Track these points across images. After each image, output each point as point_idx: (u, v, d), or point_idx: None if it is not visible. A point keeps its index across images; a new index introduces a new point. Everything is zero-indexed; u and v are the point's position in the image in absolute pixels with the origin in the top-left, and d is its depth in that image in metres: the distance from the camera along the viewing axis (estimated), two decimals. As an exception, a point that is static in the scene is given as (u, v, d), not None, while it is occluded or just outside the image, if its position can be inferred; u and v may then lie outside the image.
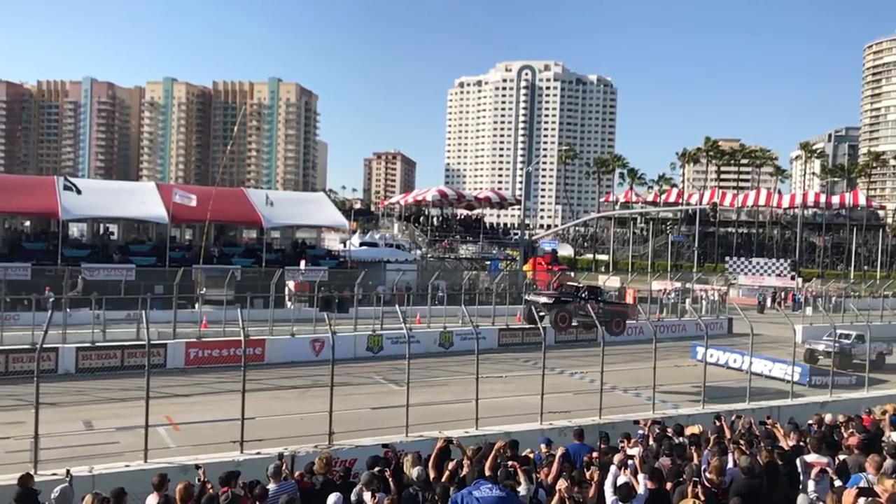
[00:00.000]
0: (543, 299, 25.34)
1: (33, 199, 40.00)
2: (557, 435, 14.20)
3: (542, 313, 24.94)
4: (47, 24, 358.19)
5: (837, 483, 9.03)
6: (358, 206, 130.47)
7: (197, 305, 33.01)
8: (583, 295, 25.84)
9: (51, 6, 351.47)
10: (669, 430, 12.87)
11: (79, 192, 38.54)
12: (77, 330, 26.11)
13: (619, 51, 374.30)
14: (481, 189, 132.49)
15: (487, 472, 8.90)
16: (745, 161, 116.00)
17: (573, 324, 25.61)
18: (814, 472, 9.08)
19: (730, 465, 9.29)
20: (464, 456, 9.75)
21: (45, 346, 13.06)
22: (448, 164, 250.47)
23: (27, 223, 46.22)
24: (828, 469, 9.21)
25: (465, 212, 69.20)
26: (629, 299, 42.14)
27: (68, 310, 26.54)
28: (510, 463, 9.09)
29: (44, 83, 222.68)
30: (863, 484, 7.81)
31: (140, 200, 42.37)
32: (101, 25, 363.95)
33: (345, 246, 54.10)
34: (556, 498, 8.32)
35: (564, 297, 25.60)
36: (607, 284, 43.91)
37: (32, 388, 11.96)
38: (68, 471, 9.82)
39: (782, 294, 58.81)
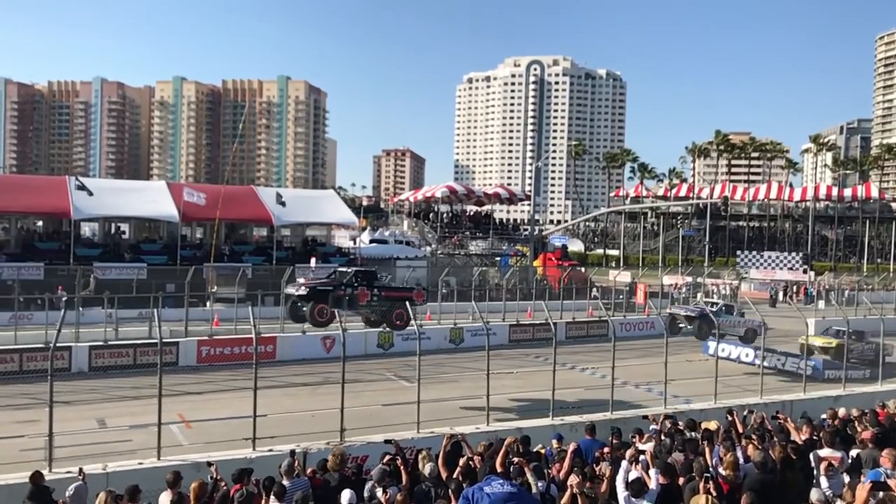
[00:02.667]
0: (301, 290, 21.44)
1: (45, 199, 40.27)
2: (569, 430, 14.20)
3: (303, 307, 21.49)
4: (57, 25, 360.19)
5: (846, 478, 9.00)
6: (367, 203, 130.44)
7: (208, 303, 33.16)
8: (351, 281, 21.96)
9: (60, 7, 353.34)
10: (681, 423, 12.84)
11: (90, 193, 38.78)
12: (90, 329, 26.27)
13: (629, 45, 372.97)
14: (491, 185, 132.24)
15: (499, 469, 8.91)
16: (755, 154, 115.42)
17: (364, 312, 22.44)
18: (823, 466, 9.03)
19: (741, 460, 9.26)
20: (471, 452, 9.77)
21: (58, 345, 13.14)
22: (457, 160, 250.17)
23: (39, 223, 46.54)
24: (833, 463, 9.15)
25: (474, 208, 69.13)
26: (640, 294, 42.02)
27: (81, 309, 26.68)
28: (516, 460, 9.08)
29: (54, 84, 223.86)
30: (881, 479, 7.76)
31: (151, 199, 42.59)
32: (110, 26, 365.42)
33: (355, 243, 54.21)
34: (567, 494, 8.31)
35: (324, 286, 21.78)
36: (618, 280, 43.80)
37: (46, 387, 12.06)
38: (81, 469, 9.89)
39: (794, 288, 58.51)
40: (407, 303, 21.38)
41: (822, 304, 48.28)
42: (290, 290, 22.20)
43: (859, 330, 28.18)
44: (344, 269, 23.92)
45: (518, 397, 20.57)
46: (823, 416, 13.37)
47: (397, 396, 19.92)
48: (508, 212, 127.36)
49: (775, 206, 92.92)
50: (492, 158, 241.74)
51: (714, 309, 29.01)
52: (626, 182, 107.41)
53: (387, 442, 11.68)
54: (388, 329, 25.33)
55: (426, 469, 9.17)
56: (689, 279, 50.48)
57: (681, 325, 28.87)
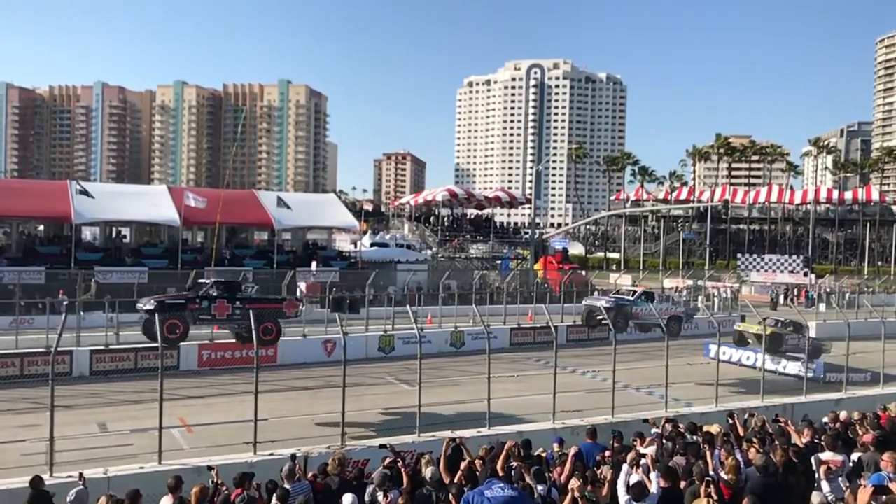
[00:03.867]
0: (149, 305, 19.33)
1: (46, 203, 40.28)
2: (570, 434, 14.18)
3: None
4: (58, 30, 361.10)
5: (843, 481, 8.99)
6: (368, 206, 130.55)
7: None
8: (209, 293, 20.09)
9: (61, 12, 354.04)
10: (682, 426, 12.84)
11: (91, 197, 38.80)
12: (91, 333, 26.27)
13: (629, 48, 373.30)
14: (491, 188, 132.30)
15: (500, 473, 8.92)
16: (756, 157, 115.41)
17: (229, 326, 20.74)
18: (822, 469, 9.02)
19: (741, 463, 9.25)
20: (468, 455, 9.77)
21: (59, 349, 13.14)
22: (458, 163, 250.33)
23: (41, 227, 46.54)
24: (832, 467, 9.15)
25: (475, 211, 69.11)
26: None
27: (82, 313, 26.68)
28: (515, 464, 9.08)
29: (55, 88, 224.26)
30: (884, 482, 7.75)
31: (152, 203, 42.60)
32: (111, 30, 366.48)
33: (356, 247, 54.22)
34: (568, 497, 8.32)
35: (173, 300, 20.00)
36: (618, 283, 43.76)
37: (47, 391, 12.07)
38: (81, 474, 9.90)
39: (795, 291, 58.42)
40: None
41: (822, 306, 48.20)
42: (140, 304, 20.13)
43: (798, 322, 27.66)
44: (204, 280, 21.85)
45: (519, 401, 20.55)
46: (825, 419, 13.36)
47: (398, 400, 19.91)
48: (509, 215, 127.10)
49: (776, 209, 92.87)
50: (492, 162, 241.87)
51: (632, 298, 27.67)
52: (626, 185, 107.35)
53: (382, 447, 11.70)
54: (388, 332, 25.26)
55: (427, 473, 9.17)
56: (690, 282, 50.42)
57: (599, 317, 27.01)
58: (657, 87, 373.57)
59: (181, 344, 25.23)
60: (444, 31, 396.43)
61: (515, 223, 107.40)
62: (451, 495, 8.27)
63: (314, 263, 41.99)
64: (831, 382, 23.82)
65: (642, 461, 9.28)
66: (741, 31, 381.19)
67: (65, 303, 28.18)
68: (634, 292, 28.90)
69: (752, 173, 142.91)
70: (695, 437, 11.60)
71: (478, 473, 9.22)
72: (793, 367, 25.45)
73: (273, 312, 20.23)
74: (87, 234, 48.94)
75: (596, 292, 37.98)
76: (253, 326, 14.83)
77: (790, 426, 11.53)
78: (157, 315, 17.52)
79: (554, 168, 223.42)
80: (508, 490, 7.35)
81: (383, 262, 47.96)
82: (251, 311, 16.77)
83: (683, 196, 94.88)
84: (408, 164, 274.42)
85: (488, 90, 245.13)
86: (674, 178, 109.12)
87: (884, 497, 7.17)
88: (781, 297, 55.60)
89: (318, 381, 22.21)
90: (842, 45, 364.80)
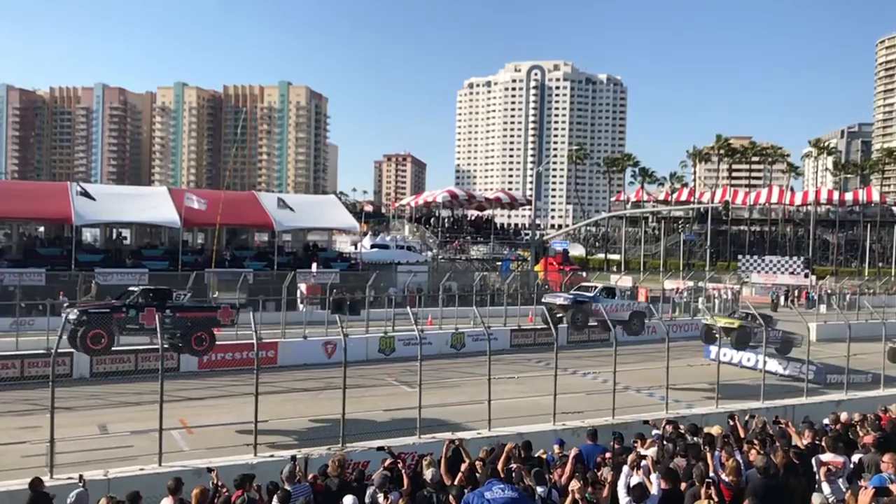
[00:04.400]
0: (73, 315, 17.94)
1: (47, 204, 40.29)
2: (570, 435, 14.17)
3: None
4: (59, 32, 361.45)
5: (842, 482, 8.97)
6: (369, 208, 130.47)
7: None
8: (137, 301, 18.71)
9: (62, 14, 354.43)
10: (682, 427, 12.83)
11: (90, 197, 38.80)
12: (91, 334, 26.21)
13: (629, 49, 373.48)
14: (492, 190, 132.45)
15: (500, 475, 8.91)
16: (756, 159, 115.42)
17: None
18: (822, 471, 9.01)
19: (741, 464, 9.24)
20: (467, 457, 9.76)
21: (59, 350, 13.14)
22: (458, 165, 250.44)
23: (41, 229, 46.55)
24: (832, 468, 9.14)
25: (475, 213, 69.13)
26: (641, 299, 41.90)
27: (83, 315, 26.61)
28: (514, 466, 9.06)
29: (56, 90, 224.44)
30: (886, 484, 7.74)
31: (152, 205, 42.60)
32: (111, 32, 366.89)
33: (356, 248, 54.19)
34: (569, 499, 8.31)
35: (97, 309, 18.70)
36: (619, 284, 43.74)
37: (48, 393, 12.07)
38: (81, 476, 9.90)
39: (796, 292, 58.42)
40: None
41: (823, 308, 48.15)
42: (64, 314, 18.80)
43: (766, 315, 27.37)
44: (134, 287, 20.59)
45: (519, 402, 20.53)
46: (825, 420, 13.35)
47: (399, 402, 19.90)
48: (509, 216, 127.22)
49: (776, 210, 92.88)
50: (493, 163, 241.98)
51: (591, 294, 26.36)
52: (626, 186, 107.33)
53: (379, 449, 11.69)
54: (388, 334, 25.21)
55: (428, 475, 9.17)
56: (691, 283, 50.37)
57: (559, 315, 26.23)
58: (657, 88, 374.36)
59: (182, 345, 25.37)
60: (444, 33, 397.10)
61: (516, 224, 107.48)
62: (451, 497, 8.27)
63: (314, 265, 41.98)
64: (832, 384, 23.80)
65: (643, 463, 9.27)
66: (741, 32, 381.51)
67: (65, 304, 28.22)
68: (595, 287, 27.97)
69: (753, 174, 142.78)
70: (695, 439, 11.59)
71: (478, 475, 9.21)
72: (793, 369, 25.45)
73: (206, 321, 19.43)
74: (88, 235, 48.96)
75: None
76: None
77: (791, 427, 11.52)
78: (83, 325, 17.29)
79: (554, 169, 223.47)
80: (509, 491, 7.33)
81: (384, 263, 47.95)
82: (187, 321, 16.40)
83: (684, 197, 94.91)
84: (408, 165, 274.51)
85: (489, 91, 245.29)
86: (674, 179, 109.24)
87: (885, 499, 7.15)
88: (782, 299, 55.60)
89: (318, 383, 22.20)
90: (842, 47, 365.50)
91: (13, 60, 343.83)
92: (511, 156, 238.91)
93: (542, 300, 27.97)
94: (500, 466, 9.26)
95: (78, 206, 38.82)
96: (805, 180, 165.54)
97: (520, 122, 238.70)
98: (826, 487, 8.85)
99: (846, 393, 20.63)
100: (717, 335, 24.62)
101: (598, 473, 9.65)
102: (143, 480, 10.96)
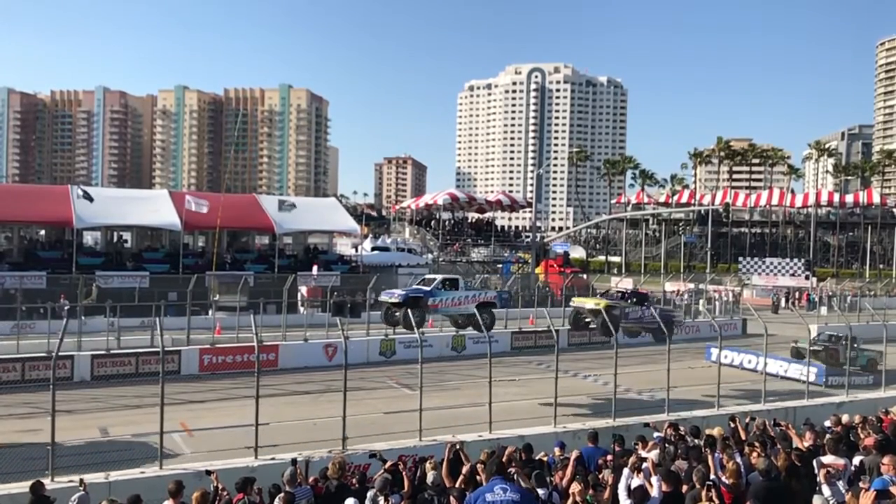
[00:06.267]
0: None
1: (48, 208, 40.31)
2: (571, 438, 14.17)
3: None
4: (60, 35, 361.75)
5: (842, 484, 8.96)
6: (369, 210, 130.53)
7: (210, 312, 33.14)
8: None
9: (63, 17, 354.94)
10: (682, 428, 12.83)
11: (90, 198, 38.82)
12: (92, 338, 26.27)
13: (629, 52, 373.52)
14: (492, 192, 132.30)
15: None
16: (757, 161, 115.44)
17: None
18: (822, 473, 9.00)
19: (742, 467, 9.23)
20: (466, 460, 9.74)
21: (60, 353, 13.15)
22: (459, 167, 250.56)
23: (42, 232, 46.58)
24: (831, 470, 9.13)
25: (476, 215, 69.14)
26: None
27: (83, 318, 26.67)
28: (512, 470, 9.04)
29: (57, 93, 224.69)
30: (888, 486, 7.73)
31: (153, 208, 42.62)
32: (112, 35, 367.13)
33: (357, 251, 54.20)
34: (570, 501, 8.30)
35: None
36: (620, 286, 43.74)
37: (48, 396, 12.06)
38: (82, 479, 9.90)
39: (797, 294, 58.42)
40: None
41: (824, 310, 48.14)
42: None
43: (642, 293, 26.62)
44: None
45: (520, 404, 20.52)
46: (826, 422, 13.34)
47: (399, 404, 19.87)
48: (510, 219, 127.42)
49: (777, 212, 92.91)
50: (493, 165, 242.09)
51: (429, 288, 23.64)
52: (627, 189, 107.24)
53: (371, 456, 11.68)
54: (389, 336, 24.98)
55: (429, 477, 9.16)
56: (692, 286, 50.38)
57: (396, 314, 23.32)
58: (658, 90, 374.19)
59: (182, 348, 25.43)
60: (445, 36, 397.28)
61: (516, 227, 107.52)
62: (452, 498, 8.25)
63: (315, 267, 42.00)
64: (833, 386, 23.80)
65: (644, 465, 9.26)
66: (741, 34, 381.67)
67: (66, 307, 28.26)
68: (434, 280, 24.38)
69: (753, 176, 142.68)
70: (696, 441, 11.58)
71: (479, 478, 9.19)
72: (794, 371, 25.44)
73: None
74: (89, 238, 48.98)
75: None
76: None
77: (791, 430, 11.51)
78: None
79: (555, 172, 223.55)
80: (510, 493, 7.19)
81: (384, 265, 47.97)
82: None
83: (684, 199, 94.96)
84: (409, 168, 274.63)
85: (489, 94, 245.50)
86: (675, 181, 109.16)
87: (886, 501, 7.14)
88: (783, 301, 55.57)
89: (319, 386, 22.20)
90: (842, 48, 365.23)
91: (14, 64, 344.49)
92: (511, 158, 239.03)
93: (379, 298, 24.68)
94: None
95: (79, 210, 38.84)
96: (805, 182, 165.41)
97: (520, 125, 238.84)
98: (826, 489, 8.84)
99: (847, 395, 20.63)
100: (587, 319, 23.23)
101: (599, 476, 9.65)
102: (143, 483, 10.96)
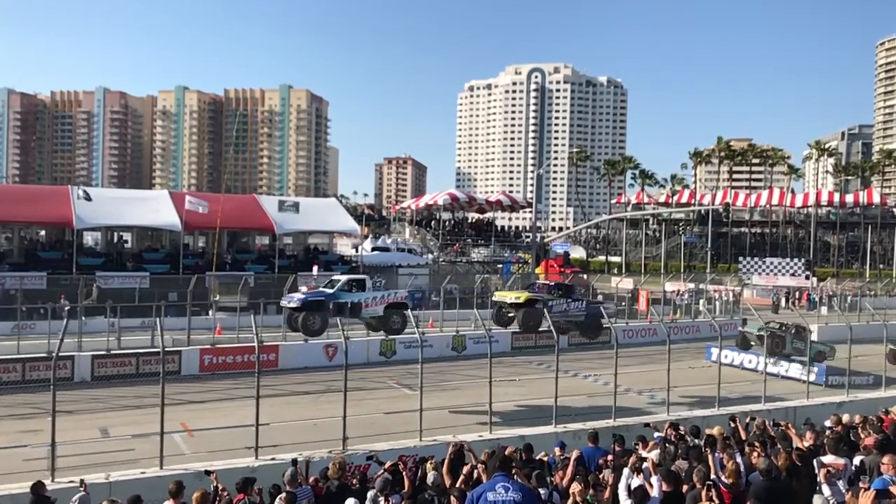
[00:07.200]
0: None
1: (48, 208, 40.33)
2: (572, 438, 14.18)
3: None
4: (60, 36, 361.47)
5: (842, 484, 8.96)
6: (369, 211, 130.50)
7: (211, 312, 33.14)
8: None
9: (63, 18, 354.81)
10: (682, 428, 12.83)
11: (89, 198, 38.83)
12: (92, 338, 26.30)
13: (629, 52, 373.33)
14: (492, 192, 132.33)
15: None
16: (757, 161, 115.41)
17: None
18: (822, 473, 9.00)
19: (741, 466, 9.23)
20: (476, 461, 9.73)
21: (60, 354, 13.15)
22: (459, 167, 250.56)
23: (42, 233, 46.59)
24: (831, 470, 9.13)
25: (476, 215, 69.11)
26: (642, 301, 41.96)
27: (83, 318, 26.70)
28: (512, 470, 9.03)
29: (57, 94, 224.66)
30: (889, 486, 7.73)
31: (153, 209, 42.64)
32: (112, 35, 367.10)
33: (357, 251, 54.21)
34: (570, 501, 8.30)
35: None
36: (620, 286, 43.75)
37: (49, 397, 12.08)
38: (83, 480, 9.91)
39: (797, 294, 58.41)
40: None
41: (824, 309, 48.14)
42: None
43: (569, 285, 25.62)
44: None
45: (521, 405, 20.54)
46: (827, 422, 13.35)
47: (400, 404, 19.87)
48: (510, 219, 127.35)
49: (777, 212, 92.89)
50: (493, 166, 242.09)
51: (332, 290, 22.21)
52: (627, 189, 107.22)
53: (369, 458, 11.67)
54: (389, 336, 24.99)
55: (429, 477, 9.17)
56: (692, 286, 50.39)
57: (298, 318, 22.50)
58: (658, 90, 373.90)
59: (183, 349, 25.44)
60: (444, 36, 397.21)
61: (517, 227, 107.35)
62: (453, 498, 8.24)
63: (315, 268, 41.96)
64: (833, 385, 23.81)
65: (644, 465, 9.26)
66: (742, 34, 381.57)
67: (66, 308, 28.25)
68: (338, 281, 23.55)
69: (754, 176, 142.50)
70: (697, 441, 11.58)
71: (478, 475, 9.19)
72: (795, 371, 25.46)
73: None
74: (89, 239, 49.01)
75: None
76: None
77: (791, 429, 11.51)
78: None
79: (555, 172, 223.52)
80: (512, 493, 7.02)
81: (384, 266, 47.98)
82: None
83: (685, 199, 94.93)
84: (409, 168, 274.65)
85: (489, 94, 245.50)
86: (675, 181, 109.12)
87: (886, 501, 7.14)
88: (783, 301, 55.56)
89: (319, 386, 22.21)
90: (842, 49, 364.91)
91: (14, 64, 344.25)
92: (511, 158, 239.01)
93: (281, 303, 23.83)
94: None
95: (79, 210, 38.85)
96: (806, 182, 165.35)
97: (520, 125, 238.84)
98: (826, 489, 8.84)
99: (847, 395, 20.63)
100: (510, 314, 22.18)
101: (600, 476, 9.65)
102: (144, 484, 10.97)
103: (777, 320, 29.84)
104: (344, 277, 23.23)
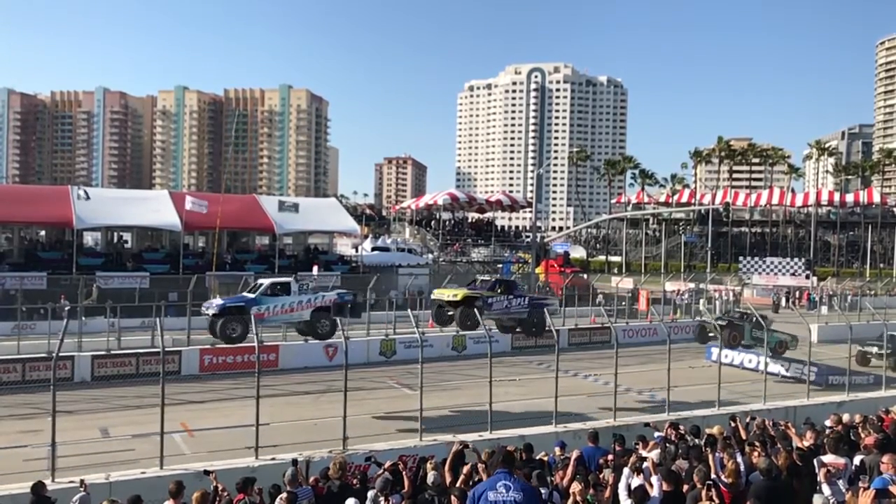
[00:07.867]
0: None
1: (48, 208, 40.35)
2: (572, 438, 14.17)
3: None
4: (60, 36, 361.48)
5: (842, 483, 8.96)
6: (369, 210, 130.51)
7: (211, 312, 33.15)
8: None
9: (63, 18, 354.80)
10: (682, 428, 12.83)
11: (87, 197, 38.82)
12: (92, 338, 26.30)
13: (629, 51, 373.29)
14: (492, 192, 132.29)
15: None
16: (757, 160, 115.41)
17: None
18: (822, 473, 9.00)
19: (742, 466, 9.23)
20: (479, 459, 9.74)
21: (61, 354, 13.15)
22: (459, 167, 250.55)
23: (42, 233, 46.61)
24: (832, 469, 9.13)
25: (476, 215, 69.10)
26: (642, 301, 41.96)
27: (83, 318, 26.70)
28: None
29: (57, 94, 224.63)
30: (889, 486, 7.73)
31: (153, 209, 42.65)
32: (112, 35, 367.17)
33: (357, 251, 54.23)
34: (570, 501, 8.30)
35: None
36: (620, 286, 43.77)
37: (49, 397, 12.08)
38: (83, 480, 9.91)
39: (797, 293, 58.40)
40: None
41: (825, 309, 48.13)
42: None
43: (511, 280, 25.24)
44: None
45: (521, 404, 20.53)
46: (827, 422, 13.34)
47: (400, 404, 19.89)
48: (510, 219, 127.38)
49: (777, 211, 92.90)
50: (493, 165, 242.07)
51: (253, 295, 21.41)
52: (627, 188, 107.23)
53: (367, 459, 11.67)
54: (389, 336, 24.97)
55: (429, 477, 9.17)
56: (692, 285, 50.39)
57: (216, 325, 21.48)
58: (658, 90, 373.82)
59: (183, 349, 25.44)
60: (444, 36, 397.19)
61: (517, 227, 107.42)
62: (453, 497, 8.23)
63: (315, 268, 41.97)
64: (834, 385, 23.80)
65: (644, 465, 9.26)
66: (742, 33, 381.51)
67: (66, 308, 28.27)
68: (259, 285, 22.45)
69: (754, 176, 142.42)
70: (697, 441, 11.58)
71: (479, 473, 9.19)
72: (795, 370, 25.45)
73: None
74: (89, 239, 49.02)
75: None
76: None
77: (791, 429, 11.51)
78: None
79: (555, 172, 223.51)
80: (513, 492, 6.94)
81: (384, 266, 47.97)
82: None
83: (685, 199, 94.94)
84: (409, 168, 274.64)
85: (489, 94, 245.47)
86: (675, 181, 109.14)
87: (886, 500, 7.14)
88: (783, 300, 55.55)
89: (319, 386, 22.21)
90: (842, 48, 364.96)
91: (14, 64, 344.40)
92: (512, 158, 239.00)
93: (201, 309, 22.79)
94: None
95: (79, 210, 38.87)
96: (806, 182, 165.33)
97: (520, 125, 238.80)
98: (827, 489, 8.84)
99: (848, 394, 20.63)
100: (449, 312, 21.57)
101: (600, 475, 9.65)
102: (144, 484, 10.97)
103: (739, 310, 29.64)
104: (267, 281, 22.40)
